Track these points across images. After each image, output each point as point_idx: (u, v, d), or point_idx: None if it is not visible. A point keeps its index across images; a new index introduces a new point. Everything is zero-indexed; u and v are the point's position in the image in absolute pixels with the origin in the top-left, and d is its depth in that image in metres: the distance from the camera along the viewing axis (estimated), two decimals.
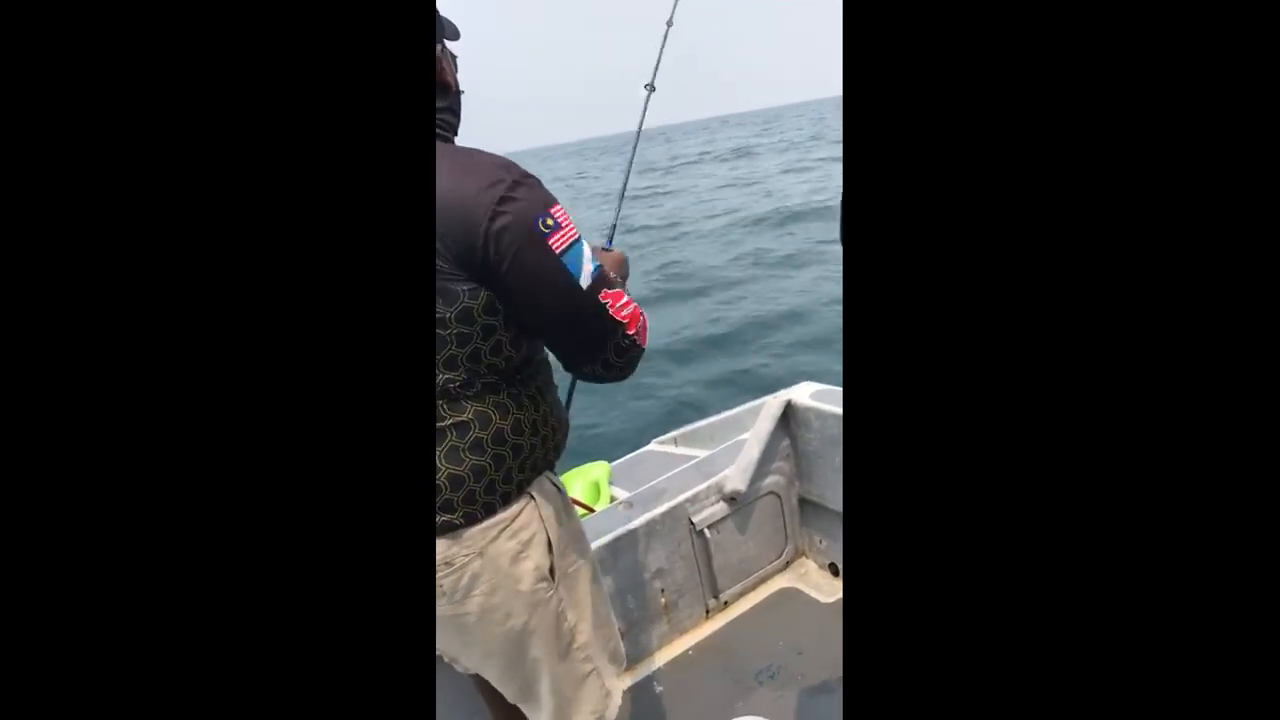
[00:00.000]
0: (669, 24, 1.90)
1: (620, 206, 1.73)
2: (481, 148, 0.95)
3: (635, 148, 1.79)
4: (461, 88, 1.03)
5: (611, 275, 1.01)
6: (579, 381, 1.49)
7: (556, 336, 0.99)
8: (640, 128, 1.84)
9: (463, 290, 0.89)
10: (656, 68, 1.85)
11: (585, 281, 0.92)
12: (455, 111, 1.01)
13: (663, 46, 1.84)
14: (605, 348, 0.98)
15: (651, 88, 1.83)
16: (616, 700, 1.15)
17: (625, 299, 0.98)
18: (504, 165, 0.91)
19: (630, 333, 0.98)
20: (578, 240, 0.93)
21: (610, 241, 1.45)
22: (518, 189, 0.89)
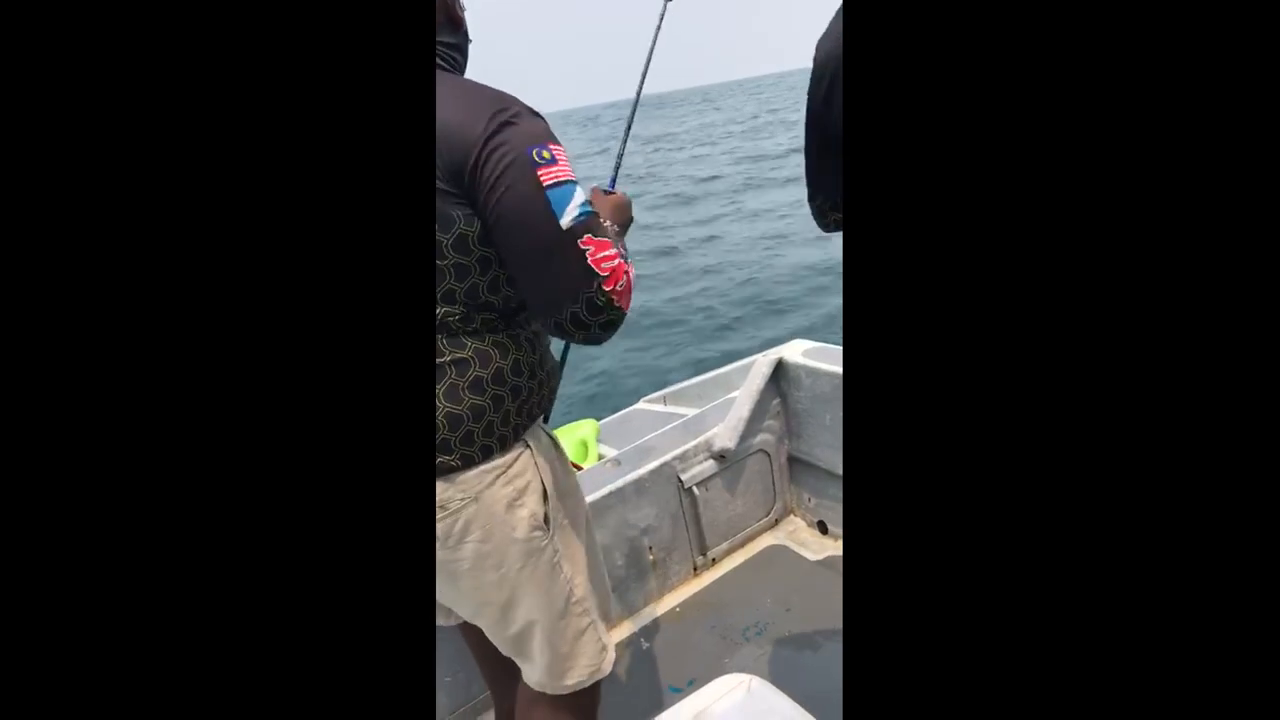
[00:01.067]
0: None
1: (626, 141, 1.54)
2: None
3: (645, 71, 1.56)
4: (470, 37, 1.01)
5: (606, 223, 0.96)
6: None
7: (526, 276, 0.90)
8: (654, 43, 1.59)
9: (459, 215, 0.86)
10: None
11: (567, 221, 0.86)
12: (463, 50, 0.99)
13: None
14: (576, 298, 0.88)
15: None
16: (611, 655, 1.13)
17: (611, 251, 0.89)
18: (510, 96, 0.88)
19: (607, 288, 0.88)
20: (571, 181, 0.88)
21: (613, 184, 1.33)
22: (521, 117, 0.86)
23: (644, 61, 1.58)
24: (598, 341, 0.93)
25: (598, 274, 0.88)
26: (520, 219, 0.85)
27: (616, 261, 0.90)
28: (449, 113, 0.84)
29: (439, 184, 0.85)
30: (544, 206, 0.85)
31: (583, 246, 0.87)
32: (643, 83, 1.58)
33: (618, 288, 0.89)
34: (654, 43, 1.58)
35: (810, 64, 1.02)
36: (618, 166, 1.46)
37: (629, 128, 1.56)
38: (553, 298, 0.89)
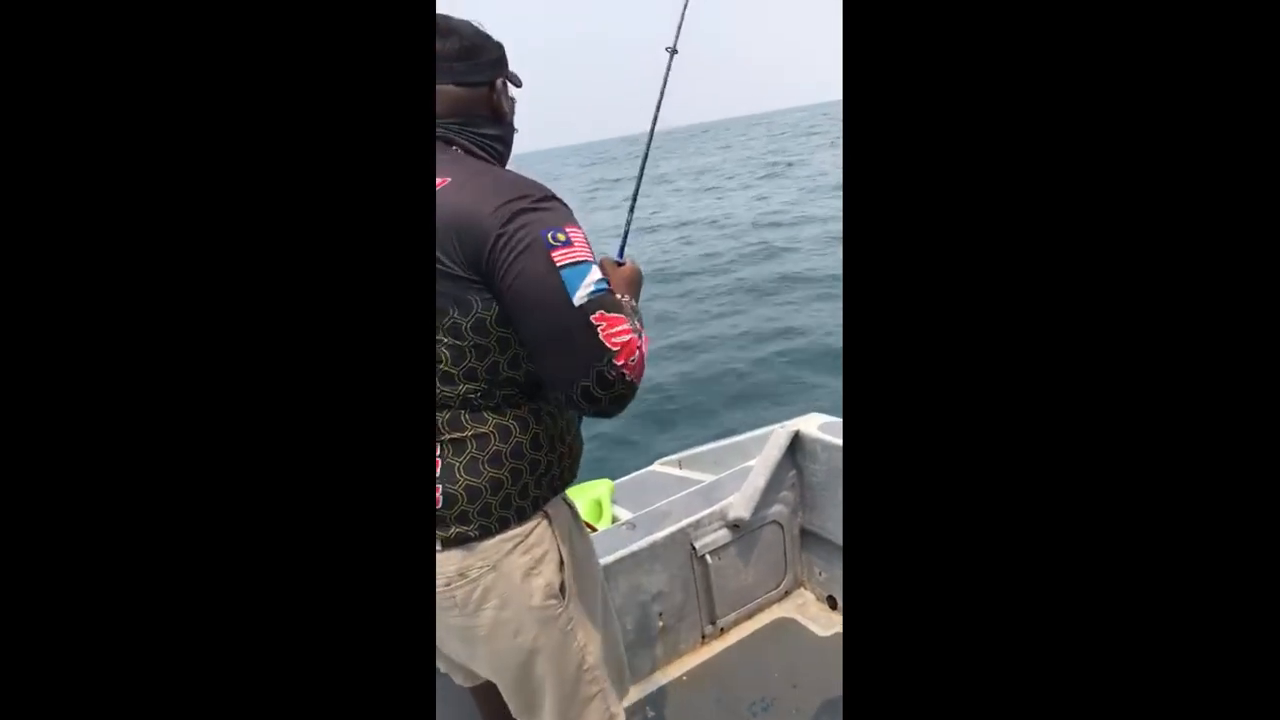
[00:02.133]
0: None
1: (634, 208, 1.53)
2: None
3: (654, 124, 1.56)
4: (516, 127, 1.07)
5: (619, 297, 0.99)
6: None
7: (540, 353, 0.92)
8: (660, 99, 1.55)
9: (477, 300, 0.91)
10: (680, 25, 1.56)
11: (579, 299, 0.88)
12: (506, 142, 1.06)
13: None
14: (587, 373, 0.89)
15: (673, 50, 1.58)
16: None
17: (623, 326, 0.91)
18: (534, 184, 0.93)
19: (618, 362, 0.89)
20: (586, 261, 0.90)
21: (622, 253, 1.35)
22: (540, 203, 0.90)
23: (650, 122, 1.57)
24: (608, 415, 0.94)
25: (609, 349, 0.89)
26: (534, 299, 0.88)
27: (629, 337, 0.91)
28: (468, 202, 0.88)
29: (458, 271, 0.89)
30: (557, 285, 0.88)
31: (595, 322, 0.89)
32: (650, 142, 1.56)
33: (629, 362, 0.91)
34: (661, 98, 1.56)
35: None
36: (625, 235, 1.45)
37: (635, 194, 1.54)
38: (565, 373, 0.91)
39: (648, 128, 1.58)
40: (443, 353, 0.92)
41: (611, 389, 0.91)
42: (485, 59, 1.01)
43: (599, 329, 0.89)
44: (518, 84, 1.07)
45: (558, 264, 0.88)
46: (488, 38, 1.02)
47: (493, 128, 1.03)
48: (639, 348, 0.93)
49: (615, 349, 0.90)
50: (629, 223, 1.51)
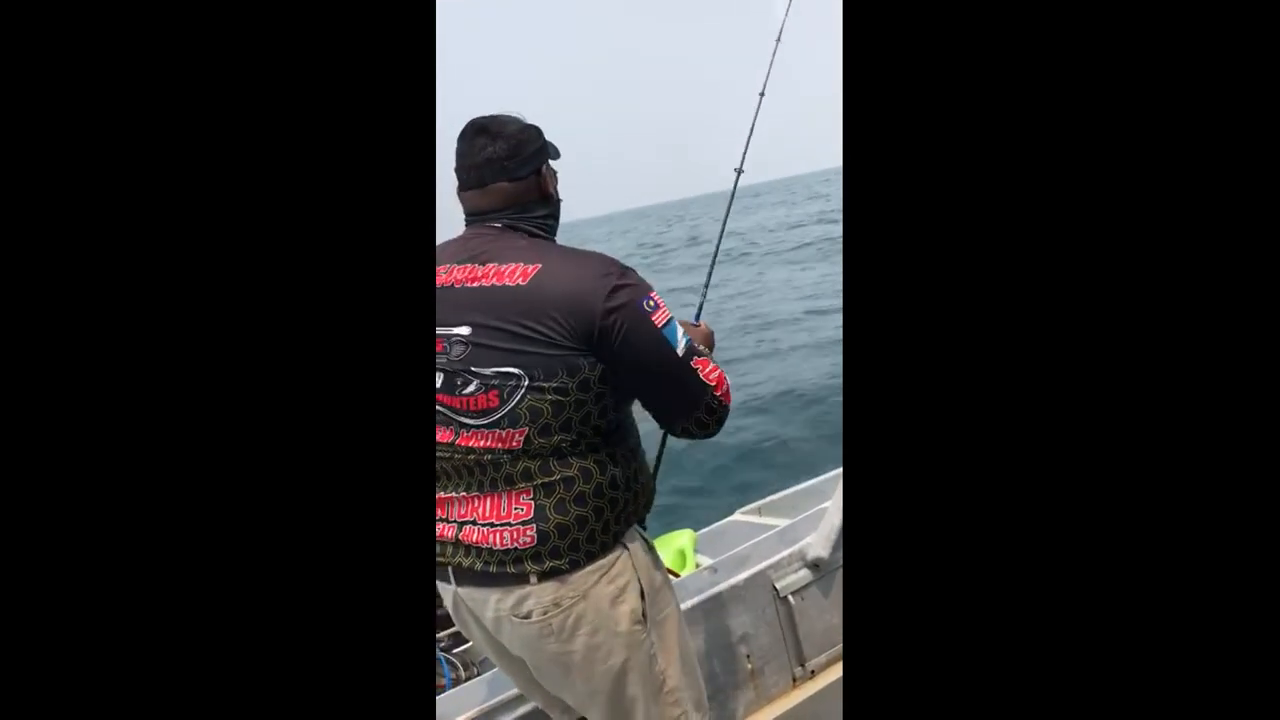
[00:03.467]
0: (778, 41, 1.89)
1: (707, 289, 1.87)
2: None
3: (721, 235, 1.91)
4: (560, 196, 1.26)
5: (700, 346, 1.19)
6: (665, 448, 1.63)
7: (658, 398, 1.17)
8: (726, 217, 1.91)
9: (585, 364, 1.08)
10: (748, 143, 1.87)
11: (681, 351, 1.11)
12: (555, 217, 1.25)
13: (757, 115, 1.85)
14: (699, 406, 1.14)
15: (740, 170, 1.90)
16: None
17: (711, 365, 1.16)
18: (609, 259, 1.13)
19: (718, 393, 1.15)
20: (672, 318, 1.12)
21: (698, 318, 1.65)
22: (625, 277, 1.10)
23: (718, 234, 1.90)
24: (713, 435, 1.19)
25: (709, 385, 1.15)
26: (650, 360, 1.10)
27: (719, 372, 1.17)
28: (567, 284, 1.08)
29: (568, 342, 1.06)
30: (663, 344, 1.10)
31: (694, 366, 1.13)
32: (719, 245, 1.91)
33: (724, 391, 1.17)
34: (728, 212, 1.91)
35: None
36: (702, 303, 1.78)
37: (711, 272, 1.86)
38: (682, 410, 1.16)
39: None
40: (545, 408, 1.07)
41: (715, 414, 1.17)
42: (529, 151, 1.19)
43: (699, 371, 1.13)
44: (557, 156, 1.25)
45: (658, 326, 1.10)
46: (528, 129, 1.20)
47: (544, 209, 1.21)
48: (725, 378, 1.19)
49: (713, 384, 1.15)
50: (706, 286, 1.85)
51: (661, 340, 1.10)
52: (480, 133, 1.16)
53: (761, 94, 1.89)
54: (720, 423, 1.18)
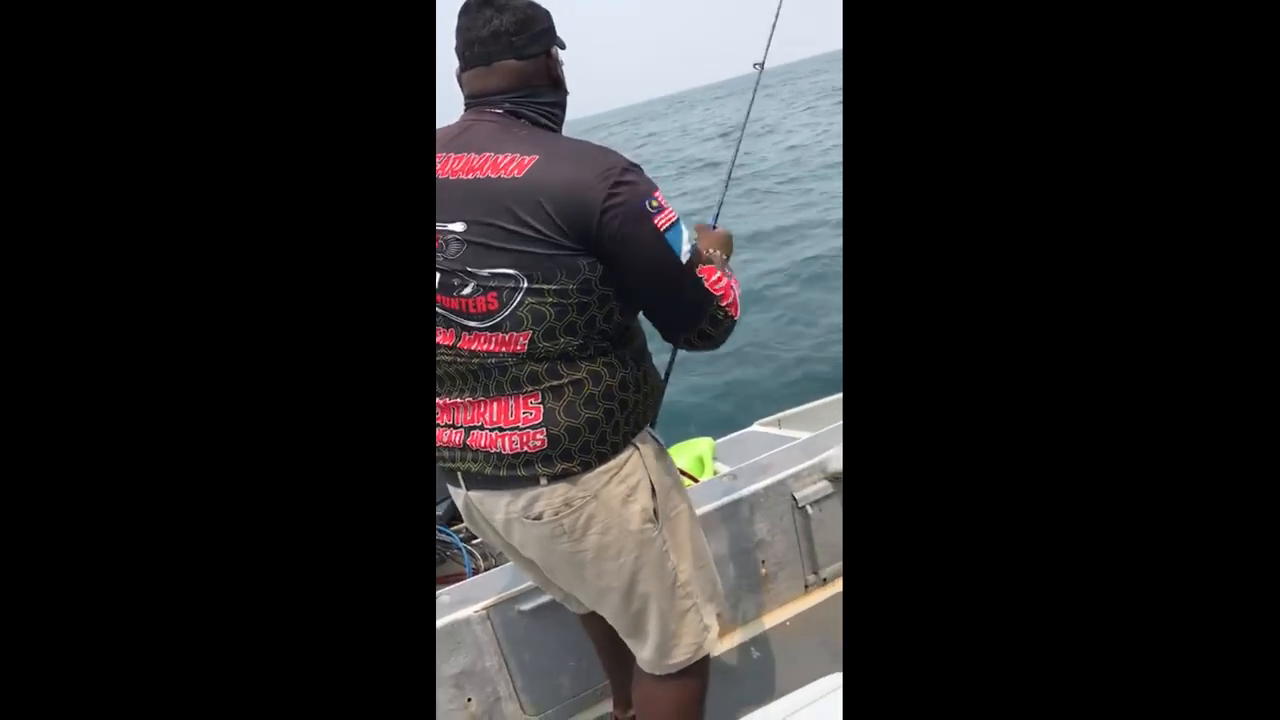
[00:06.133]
0: None
1: (727, 187, 1.79)
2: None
3: (743, 132, 1.85)
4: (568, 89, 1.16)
5: (712, 252, 1.14)
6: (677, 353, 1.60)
7: (657, 307, 1.10)
8: (749, 112, 1.85)
9: (583, 264, 1.01)
10: (770, 39, 1.82)
11: (685, 257, 1.05)
12: (562, 106, 1.15)
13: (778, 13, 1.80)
14: (701, 317, 1.09)
15: (760, 66, 1.81)
16: (714, 634, 1.25)
17: (719, 274, 1.10)
18: (613, 153, 1.03)
19: (724, 304, 1.10)
20: (677, 221, 1.04)
21: (715, 221, 1.56)
22: (627, 174, 1.01)
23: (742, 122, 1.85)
24: (717, 348, 1.14)
25: (714, 295, 1.09)
26: (649, 265, 1.04)
27: (725, 282, 1.11)
28: (565, 178, 0.99)
29: (565, 241, 0.99)
30: (665, 249, 1.03)
31: (699, 275, 1.07)
32: (739, 146, 1.87)
33: (731, 302, 1.11)
34: (749, 112, 1.86)
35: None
36: (720, 205, 1.69)
37: (730, 173, 1.80)
38: (684, 321, 1.11)
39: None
40: (547, 311, 1.02)
41: (720, 326, 1.12)
42: (540, 28, 1.08)
43: (704, 280, 1.08)
44: (563, 47, 1.15)
45: (660, 229, 1.02)
46: (538, 6, 1.09)
47: (552, 95, 1.11)
48: (733, 287, 1.13)
49: (719, 294, 1.10)
50: (724, 191, 1.76)
51: (663, 245, 1.02)
52: (486, 4, 1.05)
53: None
54: (725, 335, 1.12)
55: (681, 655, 1.22)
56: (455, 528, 2.18)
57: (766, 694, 1.79)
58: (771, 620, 2.03)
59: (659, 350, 1.21)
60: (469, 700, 1.70)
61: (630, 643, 1.25)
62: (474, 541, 2.16)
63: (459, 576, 2.00)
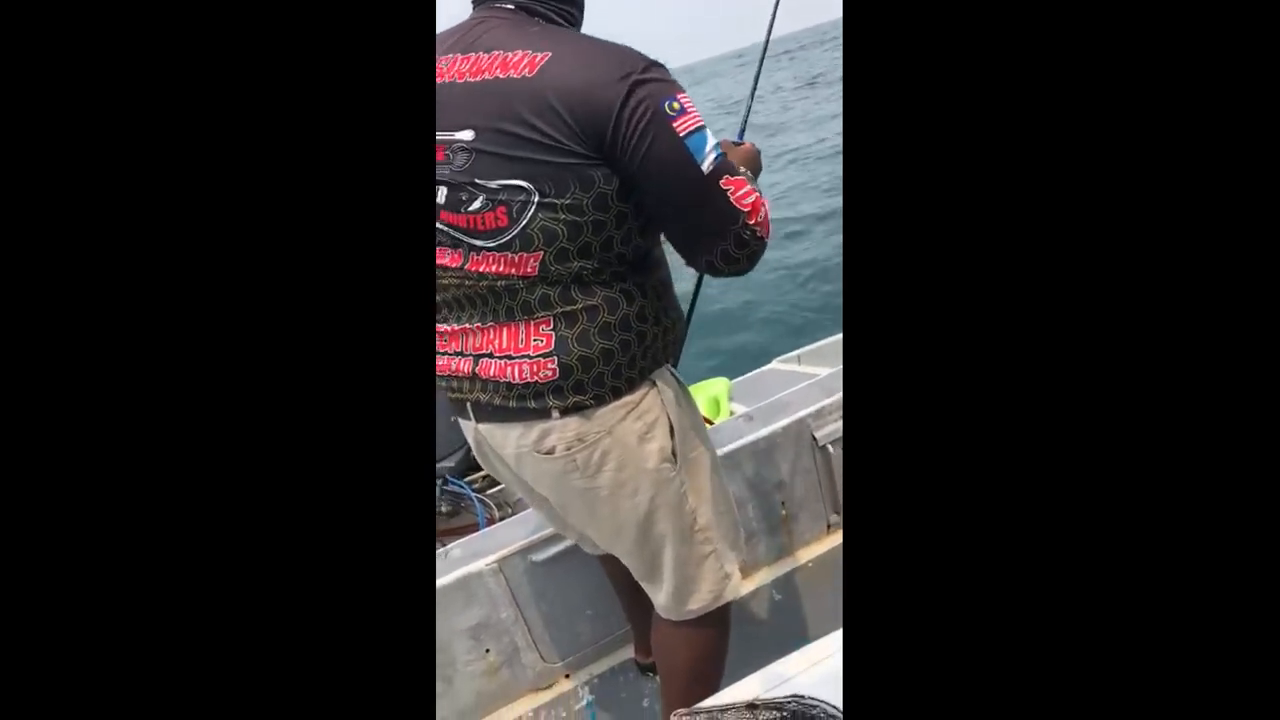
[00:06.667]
0: None
1: (750, 103, 1.68)
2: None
3: (765, 47, 1.73)
4: None
5: (738, 165, 1.01)
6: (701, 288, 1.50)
7: (676, 221, 0.98)
8: (770, 29, 1.75)
9: (598, 175, 0.91)
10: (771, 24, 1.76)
11: (707, 166, 0.91)
12: (579, 6, 1.04)
13: None
14: (726, 236, 0.95)
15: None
16: (735, 581, 1.18)
17: (748, 187, 0.95)
18: (633, 51, 0.92)
19: (751, 222, 0.95)
20: (702, 126, 0.92)
21: (741, 136, 1.44)
22: (648, 72, 0.90)
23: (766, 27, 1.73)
24: (743, 273, 1.00)
25: (741, 210, 0.94)
26: (666, 171, 0.91)
27: (754, 196, 0.96)
28: (580, 77, 0.88)
29: (577, 148, 0.89)
30: (686, 156, 0.90)
31: (724, 186, 0.93)
32: (766, 47, 1.74)
33: (760, 219, 0.96)
34: (770, 28, 1.76)
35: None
36: (745, 119, 1.56)
37: (755, 84, 1.68)
38: (705, 238, 0.96)
39: None
40: (560, 229, 0.93)
41: (747, 248, 0.96)
42: None
43: (729, 193, 0.93)
44: None
45: (681, 134, 0.89)
46: None
47: None
48: (764, 205, 0.97)
49: (746, 210, 0.95)
50: (749, 107, 1.64)
51: (683, 150, 0.90)
52: None
53: None
54: (753, 258, 0.97)
55: (699, 602, 1.15)
56: (470, 479, 2.13)
57: (788, 637, 1.74)
58: (793, 562, 1.98)
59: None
60: (487, 651, 1.68)
61: (646, 586, 1.19)
62: (489, 492, 2.11)
63: (472, 528, 1.96)
